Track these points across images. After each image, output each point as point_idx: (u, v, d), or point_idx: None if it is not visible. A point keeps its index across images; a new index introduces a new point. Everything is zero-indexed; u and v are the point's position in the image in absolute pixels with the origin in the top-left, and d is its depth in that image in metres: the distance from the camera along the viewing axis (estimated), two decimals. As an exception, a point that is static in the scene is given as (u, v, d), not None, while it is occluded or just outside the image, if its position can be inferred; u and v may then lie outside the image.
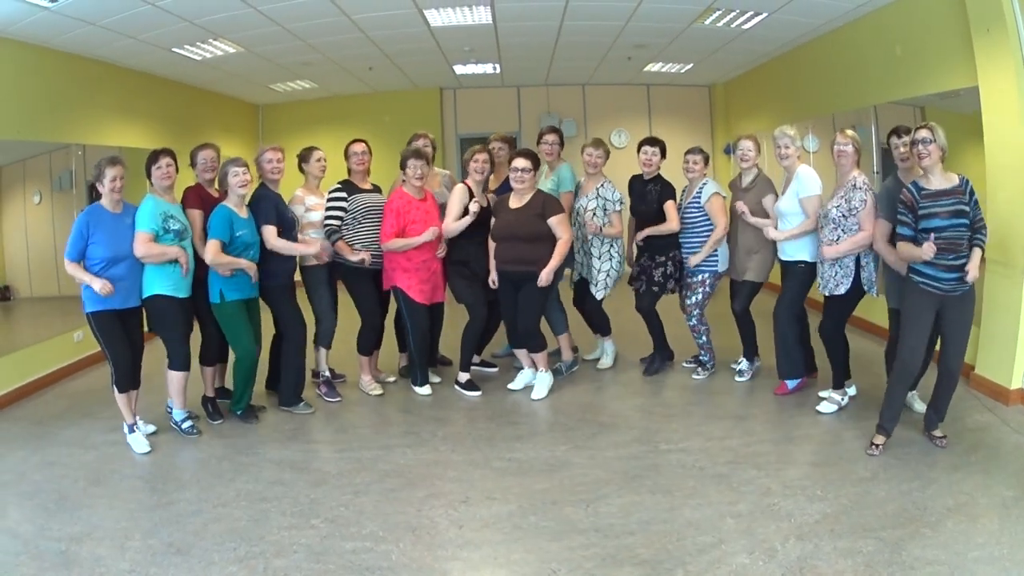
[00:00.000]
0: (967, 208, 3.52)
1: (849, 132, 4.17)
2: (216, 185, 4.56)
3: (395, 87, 9.83)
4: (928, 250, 3.45)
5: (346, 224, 4.77)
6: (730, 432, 4.19)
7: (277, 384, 4.91)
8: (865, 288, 4.16)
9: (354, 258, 4.68)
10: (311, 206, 4.78)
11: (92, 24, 5.45)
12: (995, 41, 4.28)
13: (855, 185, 4.06)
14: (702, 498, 3.38)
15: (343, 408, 4.88)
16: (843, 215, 4.09)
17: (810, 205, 4.32)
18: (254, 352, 4.42)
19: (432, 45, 7.44)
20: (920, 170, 3.65)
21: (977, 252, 3.53)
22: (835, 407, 4.38)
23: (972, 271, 3.50)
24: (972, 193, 3.56)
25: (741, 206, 4.72)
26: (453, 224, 4.78)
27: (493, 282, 4.86)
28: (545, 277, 4.61)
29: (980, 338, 4.61)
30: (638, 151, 5.09)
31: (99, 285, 3.88)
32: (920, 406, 4.17)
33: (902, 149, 3.98)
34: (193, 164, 4.57)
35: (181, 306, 4.22)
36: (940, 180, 3.57)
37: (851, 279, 4.14)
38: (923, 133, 3.54)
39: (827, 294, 4.27)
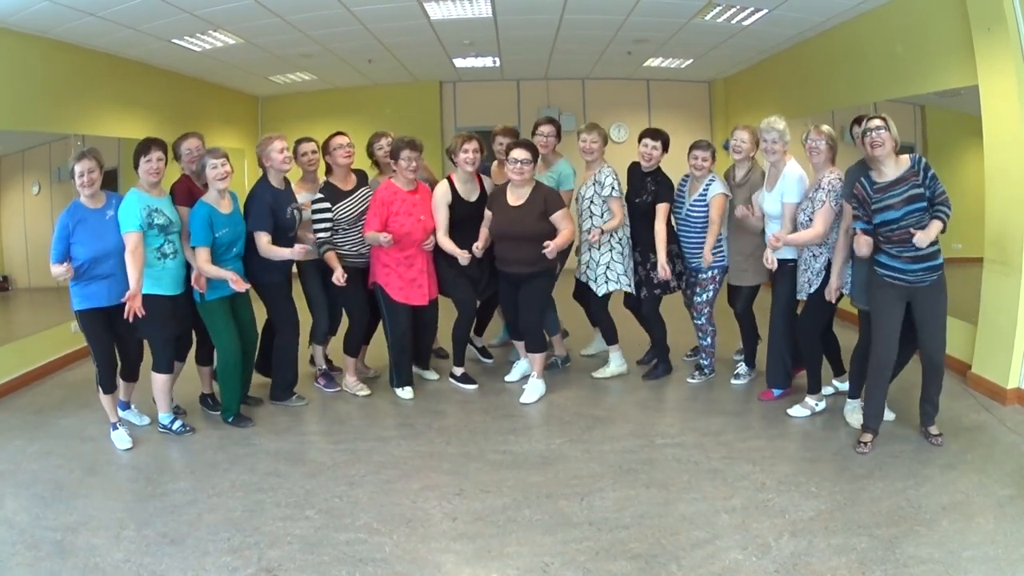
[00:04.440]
0: (922, 190, 3.48)
1: (824, 128, 4.04)
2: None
3: (395, 80, 9.80)
4: (861, 245, 3.63)
5: (333, 231, 4.65)
6: (725, 427, 4.20)
7: (266, 367, 4.84)
8: (845, 291, 4.11)
9: (338, 271, 4.49)
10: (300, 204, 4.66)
11: (92, 15, 5.43)
12: (996, 40, 4.27)
13: (819, 186, 4.02)
14: (697, 493, 3.39)
15: (338, 400, 4.88)
16: (809, 218, 4.08)
17: (789, 212, 4.20)
18: (237, 352, 4.26)
19: (432, 38, 7.42)
20: (875, 159, 3.58)
21: (936, 223, 3.45)
22: (807, 412, 4.30)
23: (920, 237, 3.42)
24: (927, 170, 3.50)
25: (742, 211, 4.50)
26: (444, 241, 4.64)
27: (477, 247, 4.61)
28: (552, 249, 4.32)
29: (977, 338, 4.62)
30: (639, 141, 4.87)
31: (62, 270, 3.77)
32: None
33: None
34: (177, 157, 4.43)
35: (173, 304, 4.09)
36: (892, 170, 3.54)
37: (821, 279, 4.10)
38: (876, 122, 3.51)
39: (800, 298, 4.25)
